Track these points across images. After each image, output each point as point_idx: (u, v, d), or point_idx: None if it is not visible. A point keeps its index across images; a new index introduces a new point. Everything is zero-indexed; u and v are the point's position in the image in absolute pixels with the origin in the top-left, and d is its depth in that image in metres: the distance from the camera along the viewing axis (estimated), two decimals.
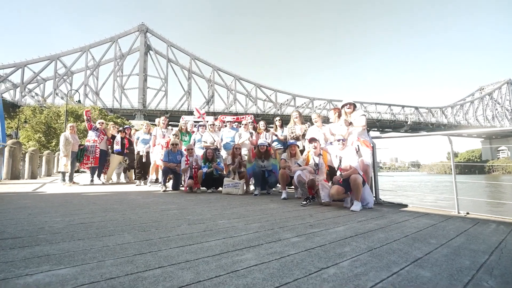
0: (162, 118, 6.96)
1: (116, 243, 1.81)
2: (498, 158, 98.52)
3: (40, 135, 25.68)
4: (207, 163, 5.39)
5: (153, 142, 6.71)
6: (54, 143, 23.97)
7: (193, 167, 5.32)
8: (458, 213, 3.30)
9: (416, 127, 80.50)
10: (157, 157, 6.50)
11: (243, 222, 2.58)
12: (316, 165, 3.86)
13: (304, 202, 3.68)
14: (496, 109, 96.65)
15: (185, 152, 5.61)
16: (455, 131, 3.40)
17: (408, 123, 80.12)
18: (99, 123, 7.22)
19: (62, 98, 64.42)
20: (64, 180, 6.55)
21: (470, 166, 74.41)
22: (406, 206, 3.79)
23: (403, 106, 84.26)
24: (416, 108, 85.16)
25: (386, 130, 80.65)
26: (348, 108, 4.07)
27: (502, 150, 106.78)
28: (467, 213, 3.28)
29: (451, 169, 3.52)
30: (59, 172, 7.16)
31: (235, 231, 2.21)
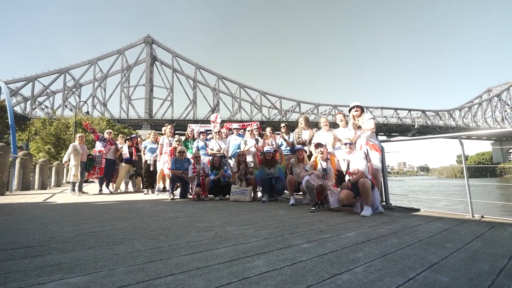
0: (169, 126, 7.00)
1: (126, 251, 1.81)
2: (509, 160, 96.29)
3: (50, 147, 26.12)
4: (214, 171, 5.38)
5: (160, 151, 6.75)
6: (63, 154, 24.33)
7: (201, 174, 5.32)
8: (473, 216, 3.21)
9: (424, 131, 79.46)
10: (163, 166, 6.54)
11: (252, 229, 2.55)
12: (324, 170, 3.83)
13: (313, 208, 3.63)
14: (505, 111, 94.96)
15: (192, 160, 5.62)
16: (465, 133, 3.34)
17: (415, 126, 79.20)
18: (107, 132, 7.31)
19: (71, 110, 65.81)
20: (73, 190, 6.62)
21: (481, 169, 72.78)
22: (417, 210, 3.71)
23: (409, 110, 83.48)
24: (423, 111, 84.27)
25: (393, 134, 79.78)
26: (355, 111, 4.03)
27: None
28: (482, 217, 3.19)
29: (461, 173, 3.44)
30: (69, 182, 7.25)
31: (244, 238, 2.18)
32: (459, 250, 1.87)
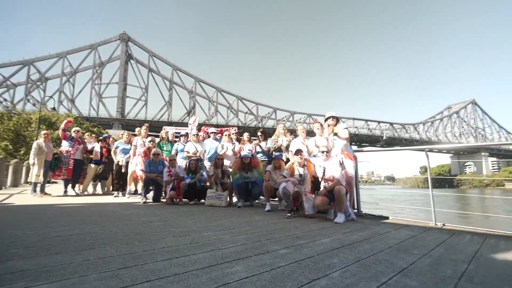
0: (144, 127, 6.75)
1: (98, 256, 1.72)
2: (465, 172, 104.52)
3: (7, 143, 24.07)
4: (190, 174, 5.28)
5: (133, 152, 6.50)
6: (22, 152, 22.56)
7: (176, 179, 5.19)
8: (435, 224, 3.44)
9: (391, 142, 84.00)
10: (136, 168, 6.29)
11: (229, 234, 2.54)
12: (301, 176, 3.91)
13: (289, 214, 3.69)
14: (463, 127, 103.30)
15: (167, 163, 5.48)
16: (431, 146, 3.59)
17: (384, 138, 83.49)
18: (74, 131, 6.85)
19: (34, 104, 61.40)
20: (35, 191, 6.14)
21: (441, 180, 78.09)
22: (386, 218, 3.90)
23: (378, 122, 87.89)
24: (391, 124, 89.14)
25: (363, 144, 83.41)
26: (331, 121, 4.19)
27: (469, 165, 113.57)
28: (444, 225, 3.43)
29: (423, 183, 3.68)
30: (29, 182, 6.72)
31: (222, 243, 2.17)
32: (424, 256, 1.99)
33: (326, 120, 4.26)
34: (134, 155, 6.42)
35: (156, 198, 5.38)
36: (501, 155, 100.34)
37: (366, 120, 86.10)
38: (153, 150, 5.60)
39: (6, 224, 2.75)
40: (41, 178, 6.15)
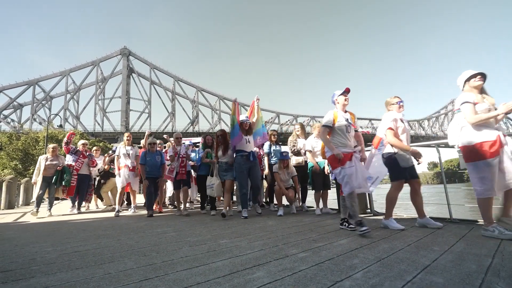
0: (126, 134, 6.15)
1: (118, 269, 1.72)
2: None
3: (17, 163, 24.47)
4: (207, 153, 5.05)
5: (117, 165, 5.80)
6: (31, 171, 22.87)
7: (181, 156, 4.99)
8: (452, 219, 3.38)
9: None
10: (122, 181, 5.67)
11: (245, 240, 2.53)
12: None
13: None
14: None
15: (165, 155, 5.43)
16: (443, 141, 3.55)
17: None
18: (82, 144, 6.54)
19: (40, 123, 62.49)
20: (35, 208, 5.58)
21: (450, 175, 76.92)
22: (401, 215, 3.85)
23: None
24: None
25: (368, 143, 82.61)
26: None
27: None
28: (460, 220, 3.37)
29: (432, 179, 3.62)
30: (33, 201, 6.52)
31: (239, 250, 2.16)
32: (446, 252, 1.96)
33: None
34: (119, 168, 5.75)
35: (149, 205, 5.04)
36: None
37: (370, 119, 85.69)
38: (149, 139, 5.33)
39: (24, 242, 2.77)
40: (34, 196, 5.71)
